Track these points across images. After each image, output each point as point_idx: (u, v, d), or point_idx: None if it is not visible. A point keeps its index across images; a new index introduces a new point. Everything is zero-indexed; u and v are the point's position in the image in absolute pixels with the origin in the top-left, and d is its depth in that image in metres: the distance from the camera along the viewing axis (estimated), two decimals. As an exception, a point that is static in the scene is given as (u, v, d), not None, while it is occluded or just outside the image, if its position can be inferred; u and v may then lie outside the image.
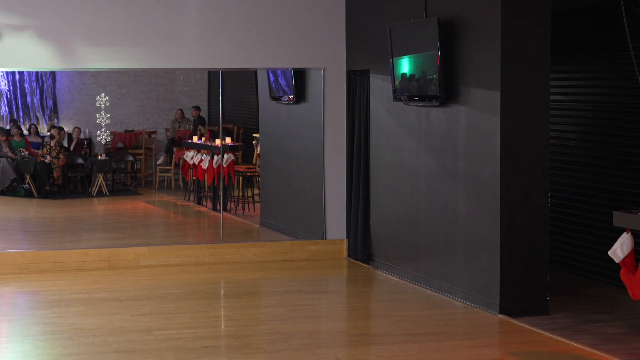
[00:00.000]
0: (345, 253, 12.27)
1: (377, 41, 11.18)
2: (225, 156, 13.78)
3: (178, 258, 11.76)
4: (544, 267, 9.18)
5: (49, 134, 16.20)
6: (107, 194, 15.90)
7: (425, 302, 9.79)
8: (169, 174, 16.55)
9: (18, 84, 16.52)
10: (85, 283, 10.78)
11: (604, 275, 10.37)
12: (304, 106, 12.85)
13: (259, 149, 14.59)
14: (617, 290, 9.83)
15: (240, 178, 14.78)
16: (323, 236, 12.31)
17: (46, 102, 16.65)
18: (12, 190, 15.70)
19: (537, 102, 9.10)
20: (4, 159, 15.64)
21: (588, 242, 10.68)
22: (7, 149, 15.79)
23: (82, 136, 16.33)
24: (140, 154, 16.68)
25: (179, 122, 16.88)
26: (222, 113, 13.12)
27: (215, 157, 14.04)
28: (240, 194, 14.82)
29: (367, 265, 11.70)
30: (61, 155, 15.64)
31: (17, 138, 16.07)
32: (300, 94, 12.83)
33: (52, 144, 15.69)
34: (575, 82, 11.05)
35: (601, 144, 10.59)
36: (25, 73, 16.36)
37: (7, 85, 16.45)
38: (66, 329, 8.65)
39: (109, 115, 14.45)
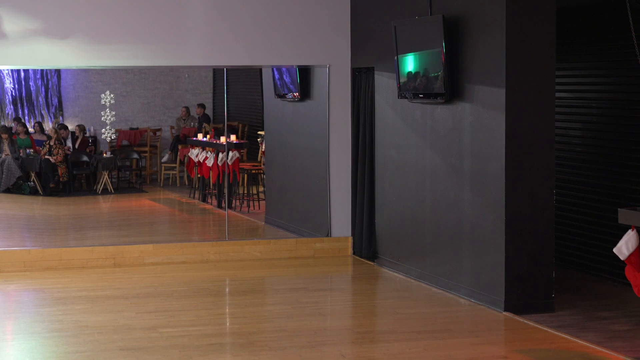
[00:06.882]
0: (350, 251, 12.26)
1: (382, 39, 11.18)
2: (230, 154, 13.78)
3: (183, 255, 11.76)
4: (549, 265, 9.17)
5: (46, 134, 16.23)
6: (112, 191, 15.91)
7: (430, 299, 9.79)
8: (174, 172, 16.56)
9: (23, 82, 16.53)
10: (90, 280, 10.79)
11: (609, 272, 10.36)
12: (309, 104, 12.84)
13: (263, 147, 14.59)
14: (623, 288, 9.82)
15: (245, 175, 14.78)
16: (328, 234, 12.30)
17: (51, 100, 16.66)
18: (18, 188, 15.72)
19: (543, 99, 9.09)
20: (9, 157, 15.66)
21: (593, 239, 10.67)
22: (8, 147, 15.79)
23: (87, 134, 16.34)
24: (145, 152, 16.69)
25: (184, 120, 16.88)
26: (227, 111, 13.11)
27: (220, 155, 14.04)
28: (245, 192, 14.82)
29: (372, 263, 11.69)
30: (60, 152, 15.64)
31: (22, 136, 16.08)
32: (305, 91, 12.82)
33: (52, 143, 15.69)
34: (580, 79, 11.04)
35: (606, 141, 10.58)
36: (30, 71, 16.37)
37: (12, 83, 16.46)
38: (71, 327, 8.65)
39: (114, 113, 14.44)
